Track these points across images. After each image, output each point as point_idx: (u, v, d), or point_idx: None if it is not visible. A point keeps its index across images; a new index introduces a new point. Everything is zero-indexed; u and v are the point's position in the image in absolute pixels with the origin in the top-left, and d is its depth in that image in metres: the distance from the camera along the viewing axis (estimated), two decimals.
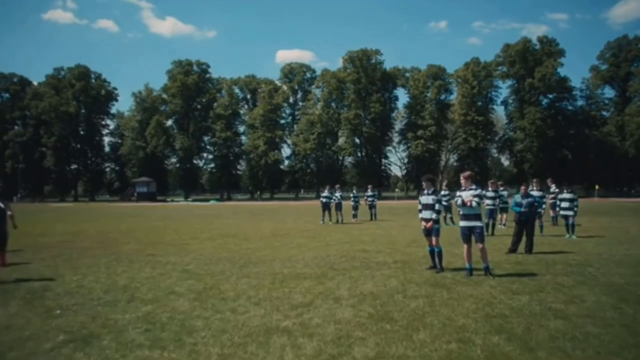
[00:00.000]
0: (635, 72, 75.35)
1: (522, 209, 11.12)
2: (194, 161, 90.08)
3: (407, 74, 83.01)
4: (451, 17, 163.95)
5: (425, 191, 8.91)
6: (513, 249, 11.03)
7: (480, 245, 8.27)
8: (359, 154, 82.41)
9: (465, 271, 8.36)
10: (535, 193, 14.99)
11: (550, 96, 74.98)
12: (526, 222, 11.02)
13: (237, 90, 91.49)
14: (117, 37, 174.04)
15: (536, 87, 72.42)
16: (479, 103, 76.47)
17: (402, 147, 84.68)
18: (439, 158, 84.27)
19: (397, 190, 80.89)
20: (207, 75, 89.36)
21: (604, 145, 72.82)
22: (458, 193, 8.54)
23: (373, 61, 79.93)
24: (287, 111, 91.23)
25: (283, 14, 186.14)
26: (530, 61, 73.75)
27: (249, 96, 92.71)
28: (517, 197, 11.45)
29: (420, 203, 9.03)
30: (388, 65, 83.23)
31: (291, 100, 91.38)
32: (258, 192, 79.56)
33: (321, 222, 22.07)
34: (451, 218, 20.23)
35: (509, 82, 77.89)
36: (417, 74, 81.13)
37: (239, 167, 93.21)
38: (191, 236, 16.25)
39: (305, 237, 15.41)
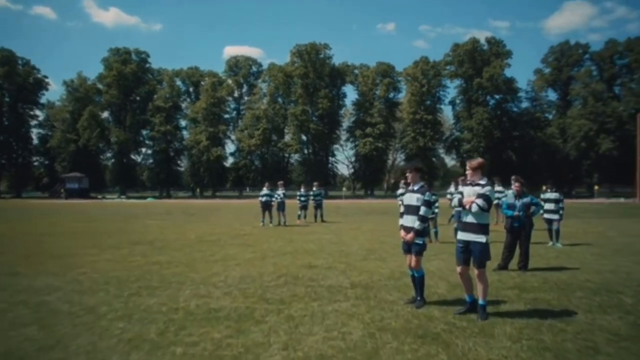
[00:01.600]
0: (576, 76, 76.93)
1: (516, 213, 8.67)
2: (132, 156, 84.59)
3: (356, 71, 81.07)
4: (399, 19, 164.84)
5: (411, 187, 6.23)
6: (503, 265, 8.57)
7: (477, 271, 5.58)
8: (306, 151, 79.72)
9: (463, 307, 5.77)
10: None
11: (497, 97, 75.10)
12: (520, 229, 8.57)
13: (179, 83, 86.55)
14: (55, 25, 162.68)
15: (484, 87, 72.23)
16: (428, 102, 75.57)
17: (349, 145, 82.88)
18: (386, 157, 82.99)
19: (344, 189, 78.73)
20: (147, 65, 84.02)
21: (547, 146, 73.65)
22: (459, 188, 5.96)
23: (322, 56, 77.44)
24: (232, 105, 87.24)
25: (232, 9, 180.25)
26: (479, 61, 73.51)
27: (191, 89, 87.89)
28: (509, 198, 8.96)
29: (401, 204, 6.45)
30: (337, 61, 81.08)
31: (236, 94, 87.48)
32: (198, 190, 75.22)
33: (261, 224, 19.19)
34: None
35: (457, 82, 77.48)
36: (366, 71, 79.34)
37: (179, 163, 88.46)
38: (93, 243, 12.94)
39: (237, 245, 12.47)
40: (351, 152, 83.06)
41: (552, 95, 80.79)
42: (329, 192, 76.74)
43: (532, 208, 8.70)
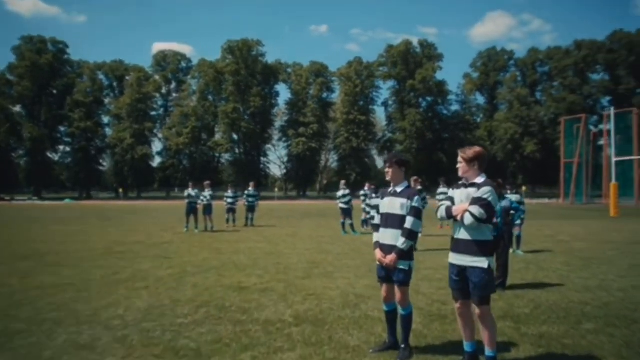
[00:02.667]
0: (503, 81, 79.74)
1: (493, 221, 7.16)
2: (48, 154, 77.98)
3: (289, 70, 79.44)
4: (331, 22, 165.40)
5: (391, 188, 4.51)
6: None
7: (479, 310, 3.87)
8: (237, 151, 77.09)
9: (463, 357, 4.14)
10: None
11: (429, 99, 76.10)
12: (498, 240, 7.15)
13: (101, 77, 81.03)
14: None
15: (417, 89, 72.83)
16: (361, 103, 75.25)
17: (282, 145, 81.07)
18: (319, 157, 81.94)
19: (276, 190, 76.71)
20: (65, 57, 77.84)
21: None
22: (448, 190, 4.27)
23: (254, 53, 75.06)
24: (159, 102, 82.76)
25: (162, 4, 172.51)
26: (412, 63, 74.12)
27: (115, 83, 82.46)
28: None
29: (378, 211, 4.59)
30: (270, 59, 79.01)
31: (164, 90, 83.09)
32: (121, 190, 70.47)
33: (185, 229, 17.03)
34: (351, 225, 16.33)
35: (390, 84, 77.80)
36: (300, 70, 77.92)
37: (102, 162, 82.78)
38: None
39: (152, 258, 10.36)
40: (284, 152, 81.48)
41: (480, 99, 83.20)
42: (261, 193, 74.60)
43: (512, 213, 7.32)
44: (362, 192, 17.54)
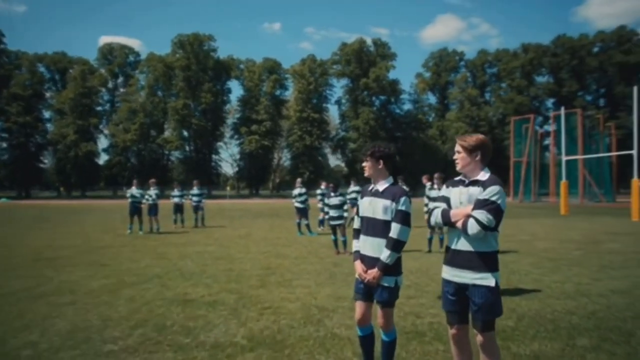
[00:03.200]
0: (454, 81, 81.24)
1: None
2: None
3: (242, 66, 77.86)
4: (285, 20, 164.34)
5: (372, 186, 3.72)
6: None
7: (481, 337, 3.11)
8: (187, 148, 74.92)
9: None
10: (434, 193, 10.93)
11: (383, 98, 76.35)
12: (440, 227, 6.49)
13: (42, 69, 76.84)
14: None
15: (370, 88, 72.91)
16: (315, 100, 74.66)
17: (234, 142, 79.38)
18: (272, 155, 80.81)
19: (228, 188, 74.92)
20: (1, 46, 73.34)
21: (428, 147, 76.30)
22: (442, 192, 3.42)
23: (206, 48, 73.10)
24: (105, 97, 79.44)
25: None
26: (365, 62, 74.15)
27: (57, 77, 78.51)
28: None
29: (356, 213, 3.84)
30: (222, 54, 77.14)
31: (110, 85, 79.82)
32: (62, 189, 66.80)
33: (128, 230, 15.79)
34: (307, 225, 15.56)
35: (343, 82, 77.57)
36: (253, 66, 76.52)
37: (43, 159, 78.38)
38: None
39: (86, 266, 9.23)
40: (236, 150, 79.86)
41: (432, 99, 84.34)
42: (213, 192, 72.90)
43: None
44: (319, 191, 16.79)
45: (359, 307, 3.68)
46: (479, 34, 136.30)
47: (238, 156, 79.34)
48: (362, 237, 3.67)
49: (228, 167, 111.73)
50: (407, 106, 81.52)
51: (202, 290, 6.90)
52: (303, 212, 15.58)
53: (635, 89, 21.89)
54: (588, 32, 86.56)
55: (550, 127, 47.69)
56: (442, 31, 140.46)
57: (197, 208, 18.72)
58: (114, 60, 79.31)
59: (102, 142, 77.35)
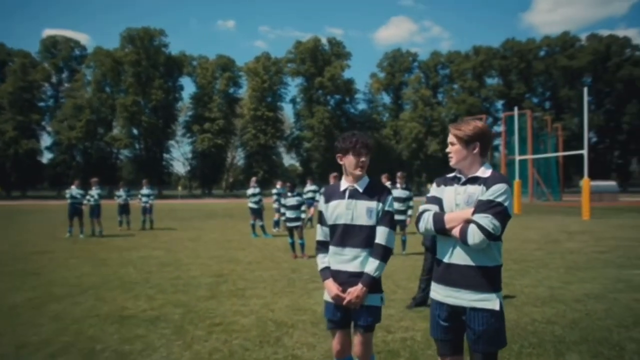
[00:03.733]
0: (408, 81, 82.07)
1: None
2: None
3: (195, 62, 75.88)
4: (239, 18, 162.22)
5: (345, 185, 3.05)
6: (421, 300, 5.97)
7: None
8: (137, 147, 72.36)
9: None
10: (398, 192, 10.47)
11: (338, 97, 76.19)
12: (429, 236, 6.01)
13: None
14: None
15: (325, 87, 72.61)
16: (269, 99, 73.65)
17: (186, 141, 77.28)
18: (226, 154, 79.22)
19: (179, 188, 72.77)
20: None
21: (382, 147, 76.64)
22: (432, 191, 2.78)
23: (156, 43, 70.76)
24: (48, 92, 75.52)
25: None
26: (320, 61, 73.78)
27: None
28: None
29: (320, 222, 3.13)
30: (174, 50, 74.97)
31: (54, 79, 76.04)
32: (1, 189, 63.11)
33: (67, 234, 14.63)
34: (262, 227, 14.86)
35: (298, 81, 76.93)
36: (206, 63, 74.69)
37: None
38: None
39: (10, 275, 8.20)
40: (188, 149, 77.76)
41: (386, 99, 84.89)
42: (164, 192, 70.75)
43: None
44: (274, 191, 16.12)
45: (338, 338, 3.01)
46: (431, 36, 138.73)
47: (190, 155, 77.37)
48: (333, 249, 3.03)
49: (180, 166, 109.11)
50: (362, 106, 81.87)
51: (143, 304, 6.12)
52: (257, 213, 14.88)
53: (585, 90, 22.31)
54: (534, 36, 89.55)
55: (501, 128, 48.54)
56: (395, 33, 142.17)
57: (145, 209, 17.63)
58: (58, 54, 75.54)
59: (46, 140, 73.77)
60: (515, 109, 29.48)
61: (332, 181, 11.85)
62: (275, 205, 15.67)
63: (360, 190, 2.99)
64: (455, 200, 2.60)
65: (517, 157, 27.92)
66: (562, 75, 76.32)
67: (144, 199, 17.69)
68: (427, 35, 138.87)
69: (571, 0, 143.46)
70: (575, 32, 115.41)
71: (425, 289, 6.00)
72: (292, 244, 10.46)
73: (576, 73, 75.71)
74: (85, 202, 14.91)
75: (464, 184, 2.62)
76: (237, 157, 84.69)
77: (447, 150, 2.71)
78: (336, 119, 73.70)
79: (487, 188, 2.49)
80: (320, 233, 3.13)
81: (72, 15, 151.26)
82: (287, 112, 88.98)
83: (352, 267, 2.93)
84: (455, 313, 2.57)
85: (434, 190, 2.77)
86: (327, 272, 3.01)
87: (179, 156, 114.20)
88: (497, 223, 2.41)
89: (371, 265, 2.88)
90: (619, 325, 5.04)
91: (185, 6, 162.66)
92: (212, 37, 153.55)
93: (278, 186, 15.81)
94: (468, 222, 2.48)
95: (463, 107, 72.09)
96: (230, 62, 75.80)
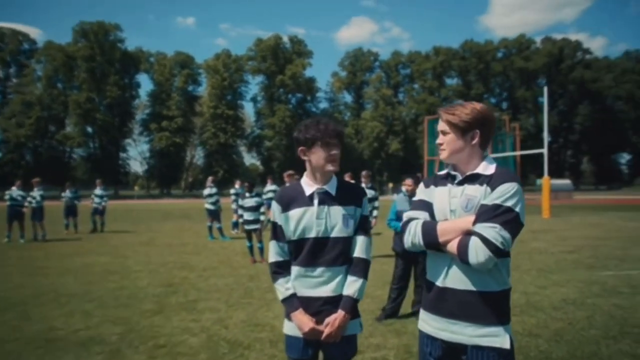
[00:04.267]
0: (369, 80, 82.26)
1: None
2: None
3: (152, 59, 73.81)
4: (199, 15, 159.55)
5: (309, 186, 2.38)
6: (391, 312, 5.44)
7: None
8: (92, 145, 69.74)
9: None
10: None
11: (299, 95, 75.66)
12: (417, 252, 5.52)
13: None
14: None
15: (286, 85, 71.91)
16: (229, 97, 72.40)
17: (143, 139, 75.06)
18: (184, 153, 77.38)
19: (136, 188, 70.42)
20: None
21: (344, 146, 76.68)
22: (419, 194, 2.22)
23: (112, 38, 68.40)
24: None
25: None
26: (281, 58, 73.05)
27: None
28: (399, 202, 5.64)
29: (276, 236, 2.42)
30: (130, 46, 72.66)
31: (1, 74, 72.45)
32: None
33: (5, 239, 13.49)
34: (219, 229, 14.11)
35: (259, 79, 75.91)
36: (164, 59, 72.73)
37: None
38: None
39: None
40: (146, 148, 75.55)
41: (348, 98, 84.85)
42: (120, 192, 68.47)
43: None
44: (232, 191, 15.37)
45: None
46: (392, 36, 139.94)
47: (148, 154, 75.21)
48: (299, 270, 2.34)
49: (137, 166, 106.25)
50: (323, 105, 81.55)
51: (77, 322, 5.35)
52: (214, 215, 14.11)
53: (545, 90, 22.44)
54: (491, 39, 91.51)
55: None
56: (357, 33, 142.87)
57: (97, 210, 16.51)
58: (5, 48, 71.94)
59: None
60: None
61: (287, 181, 11.12)
62: (234, 206, 14.93)
63: (332, 192, 2.36)
64: (450, 205, 2.04)
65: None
66: (518, 77, 78.12)
67: (96, 200, 16.57)
68: (387, 36, 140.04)
69: (525, 5, 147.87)
70: (530, 35, 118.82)
71: (396, 299, 5.49)
72: (251, 248, 9.79)
73: (532, 74, 77.66)
74: (26, 204, 13.78)
75: (461, 183, 2.05)
76: (197, 156, 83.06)
77: (438, 141, 2.14)
78: (297, 118, 72.95)
79: (492, 188, 1.94)
80: (276, 252, 2.41)
81: (22, 8, 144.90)
82: (248, 110, 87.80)
83: (327, 290, 2.29)
84: (453, 351, 2.00)
85: (421, 192, 2.19)
86: (295, 301, 2.32)
87: (137, 155, 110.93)
88: (506, 235, 1.85)
89: (352, 286, 2.28)
90: (606, 337, 4.65)
91: (143, 2, 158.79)
92: (171, 34, 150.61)
93: (236, 186, 15.07)
94: (468, 233, 1.92)
95: (423, 107, 72.67)
96: (190, 59, 74.14)
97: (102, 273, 8.41)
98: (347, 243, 2.32)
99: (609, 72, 77.06)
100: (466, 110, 2.03)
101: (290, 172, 11.64)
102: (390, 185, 60.08)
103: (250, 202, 9.82)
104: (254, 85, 77.67)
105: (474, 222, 1.91)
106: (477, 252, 1.85)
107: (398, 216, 5.46)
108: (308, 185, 2.39)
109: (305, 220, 2.32)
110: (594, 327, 4.99)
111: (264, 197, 14.44)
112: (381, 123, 73.52)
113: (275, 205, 2.44)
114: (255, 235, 9.82)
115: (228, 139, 69.92)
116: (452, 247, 1.94)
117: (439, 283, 2.03)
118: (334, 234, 2.30)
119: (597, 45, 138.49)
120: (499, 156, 40.32)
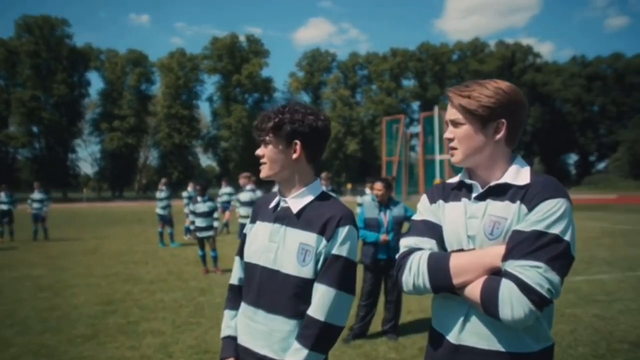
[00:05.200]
0: (327, 81, 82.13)
1: (382, 236, 4.80)
2: None
3: (103, 56, 71.00)
4: (153, 12, 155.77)
5: (276, 198, 1.78)
6: (359, 331, 4.87)
7: None
8: (37, 146, 66.40)
9: None
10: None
11: (256, 95, 74.62)
12: (388, 265, 4.94)
13: None
14: None
15: (243, 85, 70.75)
16: (184, 96, 70.57)
17: (94, 140, 72.14)
18: (138, 154, 74.91)
19: (85, 190, 67.42)
20: None
21: None
22: (422, 211, 1.59)
23: (58, 33, 65.30)
24: None
25: None
26: (238, 58, 71.77)
27: None
28: (368, 208, 4.99)
29: (240, 251, 1.85)
30: (79, 42, 69.73)
31: None
32: None
33: None
34: (171, 234, 13.23)
35: (215, 78, 74.36)
36: (115, 57, 70.09)
37: None
38: None
39: None
40: (96, 148, 72.66)
41: (305, 98, 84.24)
42: (69, 194, 65.57)
43: (409, 226, 5.25)
44: (185, 194, 14.51)
45: None
46: (349, 38, 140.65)
47: (99, 155, 72.34)
48: (244, 308, 1.75)
49: (88, 167, 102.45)
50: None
51: None
52: (165, 220, 13.21)
53: None
54: (446, 42, 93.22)
55: (419, 128, 49.45)
56: (314, 34, 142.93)
57: (37, 217, 15.16)
58: None
59: None
60: (436, 108, 29.60)
61: (241, 183, 10.38)
62: (186, 210, 14.06)
63: (294, 210, 1.69)
64: (468, 230, 1.45)
65: (438, 157, 27.98)
66: (473, 79, 75.70)
67: (35, 205, 15.18)
68: (345, 37, 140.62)
69: (479, 9, 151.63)
70: (483, 39, 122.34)
71: (364, 317, 4.92)
72: (203, 257, 9.03)
73: (486, 77, 77.65)
74: None
75: (482, 197, 1.46)
76: (151, 157, 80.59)
77: (447, 135, 1.54)
78: (254, 118, 70.97)
79: (530, 207, 1.35)
80: (235, 271, 1.88)
81: None
82: (204, 110, 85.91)
83: (265, 348, 1.65)
84: None
85: (424, 209, 1.60)
86: (228, 347, 1.75)
87: (87, 156, 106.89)
88: (555, 278, 1.28)
89: (292, 358, 1.58)
90: (596, 356, 4.23)
91: None
92: (124, 31, 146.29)
93: (189, 189, 14.24)
94: (496, 273, 1.34)
95: (381, 108, 73.02)
96: (143, 57, 71.67)
97: (32, 289, 7.47)
98: (303, 287, 1.62)
99: (558, 76, 79.66)
100: (487, 91, 1.45)
101: (247, 174, 10.80)
102: (349, 186, 59.92)
103: (202, 207, 9.08)
104: (209, 84, 76.39)
105: (505, 257, 1.33)
106: (513, 305, 1.27)
107: (367, 224, 4.88)
108: (277, 194, 1.80)
109: (258, 240, 1.73)
110: (581, 343, 4.58)
111: (219, 200, 13.72)
112: (339, 124, 73.29)
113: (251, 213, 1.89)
114: (209, 243, 9.06)
115: (183, 139, 68.09)
116: (473, 293, 1.35)
117: (451, 338, 1.43)
118: (284, 269, 1.65)
119: (545, 50, 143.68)
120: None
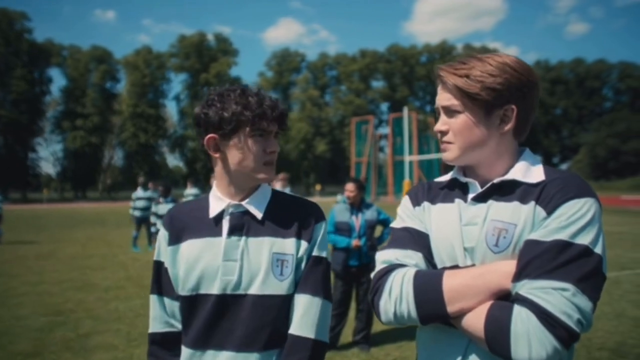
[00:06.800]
0: (296, 81, 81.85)
1: (354, 241, 4.45)
2: None
3: (65, 52, 68.92)
4: (119, 9, 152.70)
5: (224, 205, 1.36)
6: (331, 340, 4.52)
7: None
8: None
9: None
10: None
11: None
12: (361, 272, 4.59)
13: None
14: None
15: (211, 83, 69.51)
16: (151, 95, 69.17)
17: (56, 139, 69.88)
18: (102, 154, 72.93)
19: (45, 191, 65.07)
20: None
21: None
22: (403, 217, 1.26)
23: (18, 27, 63.04)
24: None
25: None
26: (206, 56, 70.76)
27: None
28: (339, 211, 4.63)
29: (159, 288, 1.42)
30: (40, 37, 67.45)
31: None
32: None
33: None
34: (134, 238, 12.63)
35: (182, 77, 73.13)
36: (78, 53, 68.12)
37: None
38: None
39: None
40: (58, 148, 70.33)
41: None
42: (29, 195, 63.33)
43: (382, 230, 4.86)
44: (134, 195, 13.85)
45: None
46: (319, 39, 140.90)
47: (61, 154, 70.08)
48: (189, 354, 1.33)
49: (49, 167, 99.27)
50: None
51: None
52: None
53: None
54: (415, 44, 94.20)
55: (388, 129, 49.63)
56: (284, 34, 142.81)
57: None
58: None
59: None
60: (405, 109, 29.56)
61: (188, 190, 9.83)
62: (134, 213, 13.35)
63: (258, 214, 1.37)
64: (464, 240, 1.12)
65: (407, 158, 27.96)
66: None
67: None
68: (315, 38, 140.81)
69: (446, 13, 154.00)
70: (450, 42, 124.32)
71: (335, 328, 4.59)
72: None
73: None
74: None
75: (482, 198, 1.14)
76: (115, 157, 78.56)
77: (439, 128, 1.20)
78: None
79: (549, 209, 1.04)
80: (156, 315, 1.44)
81: None
82: (171, 109, 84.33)
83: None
84: None
85: (406, 213, 1.27)
86: None
87: (48, 156, 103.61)
88: (587, 304, 0.96)
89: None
90: None
91: None
92: (88, 28, 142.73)
93: (139, 189, 13.61)
94: (504, 297, 1.02)
95: (350, 108, 73.10)
96: (107, 54, 69.88)
97: None
98: (281, 306, 1.31)
99: None
100: (491, 68, 1.12)
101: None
102: (318, 187, 59.67)
103: (165, 208, 8.66)
104: (176, 83, 75.07)
105: (517, 276, 1.01)
106: (531, 342, 0.95)
107: (337, 228, 4.56)
108: (217, 199, 1.40)
109: (203, 262, 1.32)
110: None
111: (184, 201, 13.15)
112: (308, 124, 73.16)
113: (162, 233, 1.43)
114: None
115: (149, 139, 66.67)
116: (474, 324, 1.02)
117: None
118: (253, 290, 1.30)
119: (510, 54, 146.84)
120: (424, 158, 40.93)
